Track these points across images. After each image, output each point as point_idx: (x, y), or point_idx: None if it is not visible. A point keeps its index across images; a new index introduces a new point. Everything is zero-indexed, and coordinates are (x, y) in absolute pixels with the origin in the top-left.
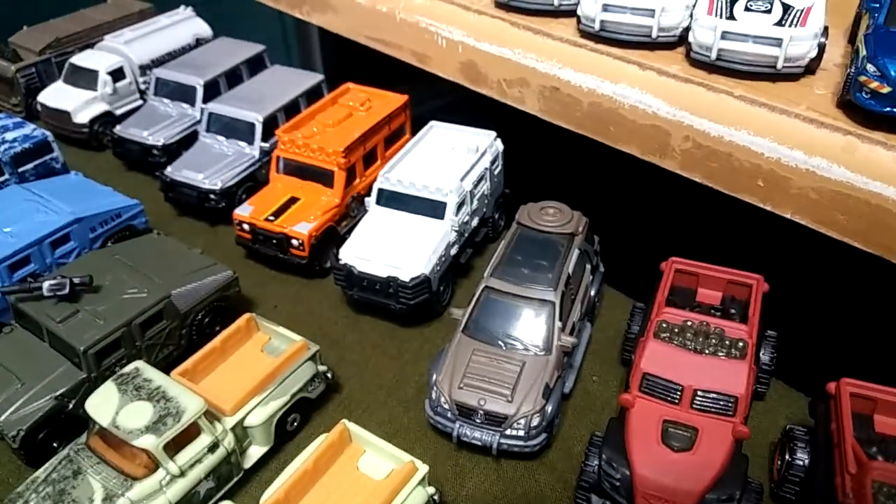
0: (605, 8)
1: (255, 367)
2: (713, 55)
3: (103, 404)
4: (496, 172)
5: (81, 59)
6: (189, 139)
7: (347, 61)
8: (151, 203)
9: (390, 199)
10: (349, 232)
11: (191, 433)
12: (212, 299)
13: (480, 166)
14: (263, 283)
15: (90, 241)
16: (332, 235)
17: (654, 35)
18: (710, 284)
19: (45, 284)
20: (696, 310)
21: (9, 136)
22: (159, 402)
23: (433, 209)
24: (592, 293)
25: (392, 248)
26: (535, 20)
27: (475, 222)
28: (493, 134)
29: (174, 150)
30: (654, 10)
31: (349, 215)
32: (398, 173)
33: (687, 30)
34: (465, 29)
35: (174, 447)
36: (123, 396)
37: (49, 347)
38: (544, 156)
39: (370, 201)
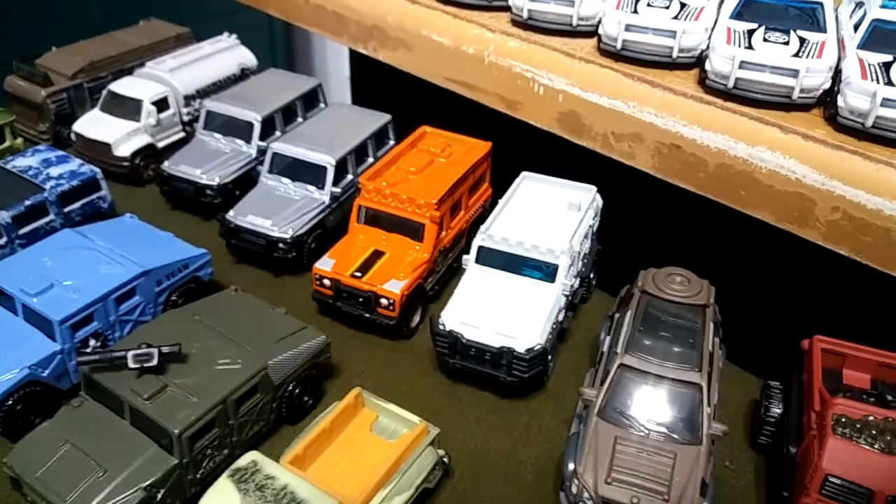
0: (743, 65)
1: (370, 453)
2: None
3: None
4: (595, 229)
5: (122, 86)
6: (244, 178)
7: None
8: (204, 247)
9: (492, 259)
10: (434, 289)
11: None
12: (304, 368)
13: (585, 224)
14: (344, 343)
15: (155, 295)
16: (421, 293)
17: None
18: (858, 366)
19: (131, 355)
20: (871, 401)
21: (53, 171)
22: None
23: (543, 271)
24: (720, 366)
25: (501, 314)
26: (648, 72)
27: (577, 283)
28: (593, 188)
29: (229, 190)
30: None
31: (435, 270)
32: (500, 230)
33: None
34: (568, 77)
35: None
36: (246, 498)
37: (130, 426)
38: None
39: (468, 259)
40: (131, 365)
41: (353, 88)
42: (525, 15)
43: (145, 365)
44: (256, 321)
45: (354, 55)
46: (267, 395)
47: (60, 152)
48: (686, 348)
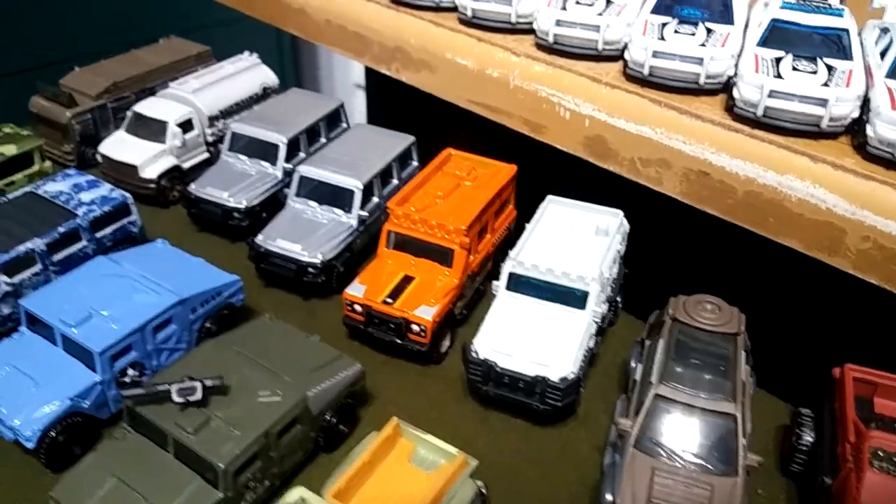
0: (773, 94)
1: (410, 485)
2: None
3: None
4: (622, 254)
5: (147, 107)
6: (270, 201)
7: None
8: (232, 270)
9: (522, 285)
10: (463, 313)
11: None
12: (341, 397)
13: (613, 249)
14: (374, 369)
15: (190, 322)
16: (450, 319)
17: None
18: (890, 395)
19: (175, 388)
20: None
21: (85, 196)
22: None
23: (573, 298)
24: (751, 394)
25: (534, 342)
26: (674, 97)
27: (606, 308)
28: (620, 213)
29: (256, 212)
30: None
31: (463, 294)
32: (530, 257)
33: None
34: (594, 102)
35: None
36: None
37: (174, 459)
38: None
39: (498, 286)
40: (176, 399)
41: (369, 102)
42: (550, 39)
43: (189, 399)
44: (293, 350)
45: (371, 70)
46: (306, 426)
47: (90, 177)
48: (719, 378)
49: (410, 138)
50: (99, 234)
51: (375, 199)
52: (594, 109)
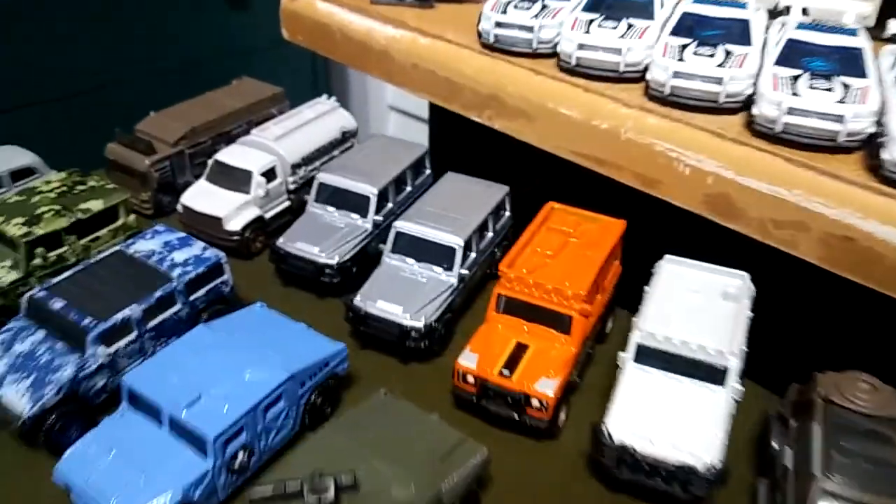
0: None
1: None
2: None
3: None
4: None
5: (230, 156)
6: (361, 255)
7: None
8: (327, 332)
9: (653, 359)
10: (577, 381)
11: None
12: (469, 487)
13: (745, 317)
14: (485, 442)
15: (298, 398)
16: (569, 390)
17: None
18: None
19: (307, 488)
20: None
21: (178, 256)
22: None
23: (711, 374)
24: None
25: (674, 424)
26: (804, 155)
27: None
28: (746, 276)
29: (348, 268)
30: None
31: (578, 361)
32: (660, 327)
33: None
34: (719, 159)
35: None
36: None
37: None
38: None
39: (625, 358)
40: (308, 500)
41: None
42: (667, 91)
43: (322, 498)
44: (416, 433)
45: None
46: None
47: (181, 234)
48: (888, 469)
49: (504, 188)
50: (193, 297)
51: (473, 255)
52: (718, 166)
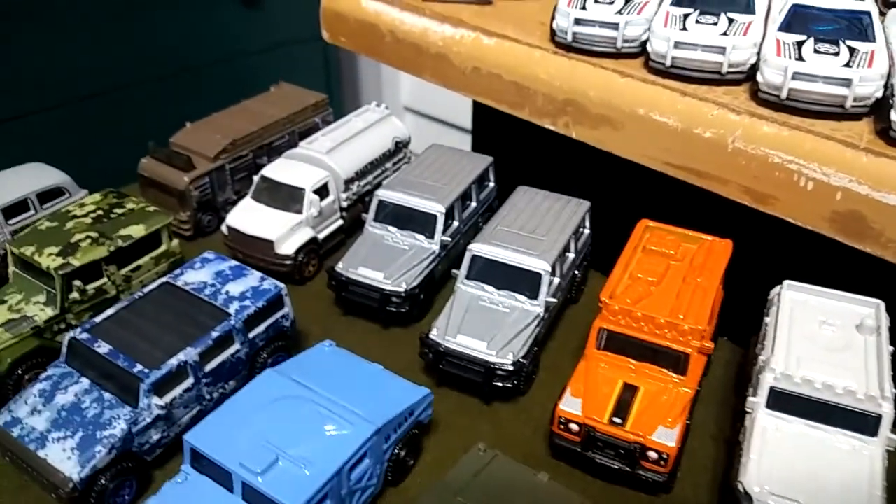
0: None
1: None
2: (783, 94)
3: None
4: None
5: (278, 172)
6: (429, 280)
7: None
8: (396, 368)
9: (789, 404)
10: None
11: None
12: None
13: (887, 354)
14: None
15: (383, 453)
16: (687, 438)
17: None
18: None
19: None
20: None
21: (233, 289)
22: None
23: (860, 424)
24: None
25: (823, 484)
26: None
27: None
28: (880, 303)
29: (416, 295)
30: None
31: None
32: (795, 368)
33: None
34: (850, 172)
35: None
36: None
37: None
38: None
39: (757, 403)
40: None
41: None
42: (784, 94)
43: None
44: (528, 497)
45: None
46: None
47: (233, 262)
48: None
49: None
50: (252, 335)
51: (557, 280)
52: (851, 181)
